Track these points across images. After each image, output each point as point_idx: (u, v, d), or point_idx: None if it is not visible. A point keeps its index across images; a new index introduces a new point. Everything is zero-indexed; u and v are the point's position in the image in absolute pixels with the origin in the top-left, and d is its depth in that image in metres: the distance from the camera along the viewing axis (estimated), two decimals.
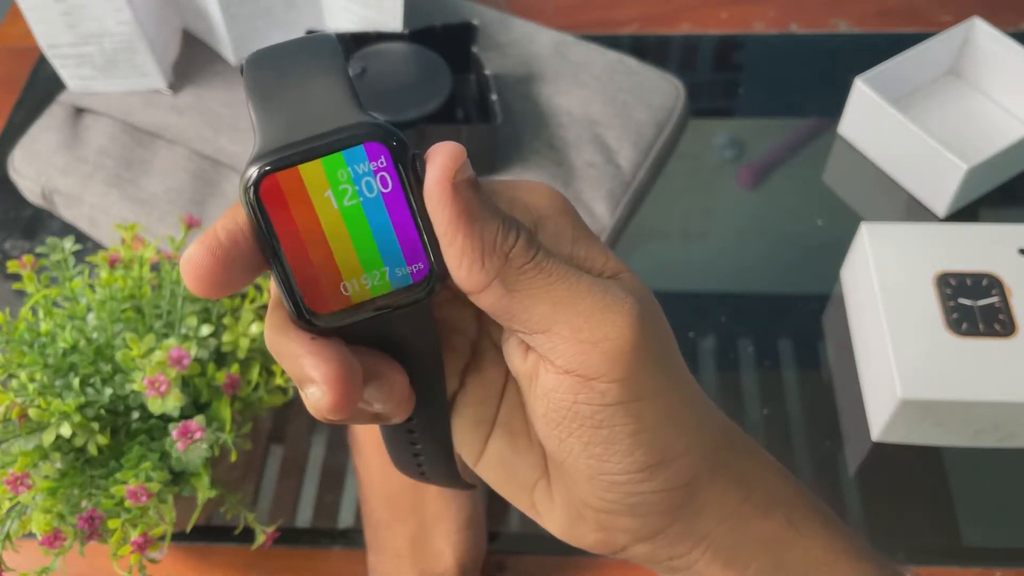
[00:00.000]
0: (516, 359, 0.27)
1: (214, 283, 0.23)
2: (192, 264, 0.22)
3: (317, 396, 0.23)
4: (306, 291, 0.23)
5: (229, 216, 0.23)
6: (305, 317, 0.23)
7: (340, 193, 0.23)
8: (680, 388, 0.26)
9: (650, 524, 0.27)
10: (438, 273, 0.24)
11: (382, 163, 0.23)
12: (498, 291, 0.24)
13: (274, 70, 0.24)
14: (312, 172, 0.22)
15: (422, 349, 0.26)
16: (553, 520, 0.29)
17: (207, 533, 0.57)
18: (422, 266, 0.24)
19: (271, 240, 0.23)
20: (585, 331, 0.24)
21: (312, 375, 0.23)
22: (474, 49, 0.71)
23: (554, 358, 0.25)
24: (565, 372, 0.25)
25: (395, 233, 0.23)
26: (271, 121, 0.23)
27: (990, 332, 0.56)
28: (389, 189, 0.23)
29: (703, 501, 0.27)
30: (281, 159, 0.22)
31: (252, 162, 0.22)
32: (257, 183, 0.22)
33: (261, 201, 0.22)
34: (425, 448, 0.30)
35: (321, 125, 0.22)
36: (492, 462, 0.29)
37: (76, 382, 0.46)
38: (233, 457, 0.47)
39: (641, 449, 0.25)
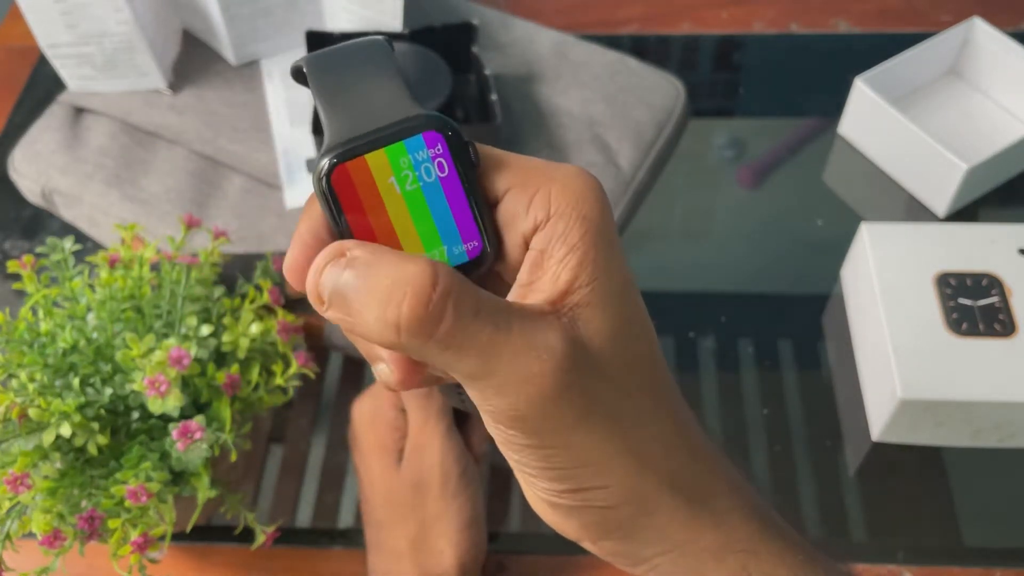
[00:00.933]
0: None
1: None
2: (294, 269, 0.25)
3: (386, 373, 0.26)
4: None
5: (305, 216, 0.26)
6: None
7: (402, 179, 0.25)
8: (611, 439, 0.25)
9: (575, 531, 0.28)
10: (490, 250, 0.26)
11: (439, 150, 0.25)
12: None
13: (335, 73, 0.27)
14: (377, 160, 0.25)
15: None
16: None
17: (207, 533, 0.57)
18: (476, 244, 0.26)
19: (343, 224, 0.25)
20: (504, 387, 0.24)
21: (381, 354, 0.26)
22: (474, 49, 0.71)
23: (476, 400, 0.25)
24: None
25: (452, 214, 0.26)
26: (337, 118, 0.26)
27: (990, 332, 0.56)
28: (446, 174, 0.25)
29: (635, 531, 0.27)
30: (349, 150, 0.25)
31: (323, 154, 0.25)
32: (329, 172, 0.25)
33: (333, 188, 0.25)
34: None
35: (383, 118, 0.25)
36: None
37: (76, 382, 0.46)
38: (233, 457, 0.47)
39: (547, 477, 0.26)
